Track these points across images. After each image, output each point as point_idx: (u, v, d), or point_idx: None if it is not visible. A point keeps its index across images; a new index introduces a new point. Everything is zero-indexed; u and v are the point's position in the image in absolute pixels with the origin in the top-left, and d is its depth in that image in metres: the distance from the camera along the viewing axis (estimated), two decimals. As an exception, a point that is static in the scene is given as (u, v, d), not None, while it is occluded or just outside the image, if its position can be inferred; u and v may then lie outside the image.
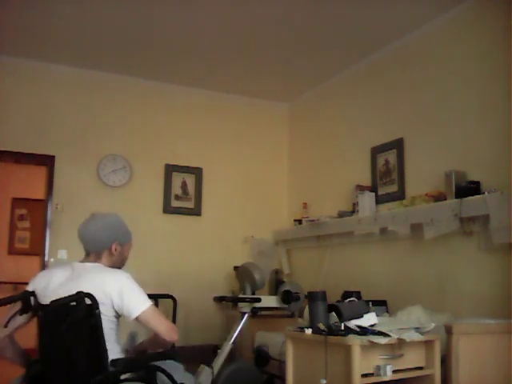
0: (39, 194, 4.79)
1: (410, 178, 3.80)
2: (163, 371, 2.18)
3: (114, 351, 2.18)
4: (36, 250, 5.01)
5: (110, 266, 2.38)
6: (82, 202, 4.45)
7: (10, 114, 4.37)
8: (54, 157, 4.44)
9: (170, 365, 2.29)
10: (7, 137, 4.33)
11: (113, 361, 2.09)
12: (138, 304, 2.23)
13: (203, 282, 4.74)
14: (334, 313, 2.59)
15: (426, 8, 3.53)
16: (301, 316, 3.26)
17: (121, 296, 2.20)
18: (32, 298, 2.20)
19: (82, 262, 2.37)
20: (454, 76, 3.51)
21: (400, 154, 3.88)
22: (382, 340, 2.36)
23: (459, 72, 3.48)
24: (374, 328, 2.47)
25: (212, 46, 4.18)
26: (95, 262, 2.35)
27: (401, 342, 2.43)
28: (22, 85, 4.44)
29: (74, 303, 2.04)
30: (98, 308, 2.05)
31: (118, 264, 2.47)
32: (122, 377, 2.14)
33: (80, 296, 2.03)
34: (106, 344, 2.07)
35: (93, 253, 2.38)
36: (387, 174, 3.99)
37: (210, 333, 4.66)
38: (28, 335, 2.48)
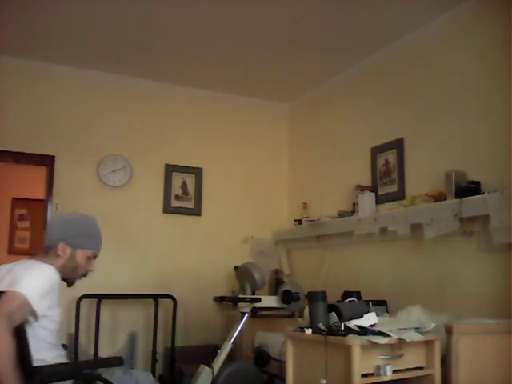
0: (39, 194, 4.79)
1: (410, 178, 3.80)
2: (104, 380, 2.02)
3: (43, 358, 2.00)
4: (36, 250, 5.01)
5: (60, 271, 2.15)
6: (82, 202, 4.45)
7: (10, 114, 4.37)
8: (54, 157, 4.43)
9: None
10: (7, 137, 4.33)
11: (40, 367, 1.90)
12: (12, 284, 1.92)
13: (203, 282, 4.74)
14: (334, 313, 2.59)
15: (425, 8, 3.53)
16: (301, 316, 3.26)
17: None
18: None
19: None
20: (453, 76, 3.51)
21: (400, 154, 3.88)
22: (382, 340, 2.36)
23: (459, 72, 3.48)
24: (374, 328, 2.47)
25: (212, 46, 4.18)
26: (37, 258, 2.15)
27: (401, 342, 2.43)
28: (21, 85, 4.44)
29: None
30: None
31: (70, 271, 2.21)
32: None
33: None
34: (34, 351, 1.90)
35: (44, 248, 2.19)
36: (387, 173, 3.99)
37: (210, 333, 4.67)
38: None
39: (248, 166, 5.22)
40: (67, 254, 2.18)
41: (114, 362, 2.15)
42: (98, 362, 2.16)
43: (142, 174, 4.76)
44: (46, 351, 2.05)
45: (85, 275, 2.30)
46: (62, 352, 2.18)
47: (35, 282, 1.97)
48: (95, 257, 2.31)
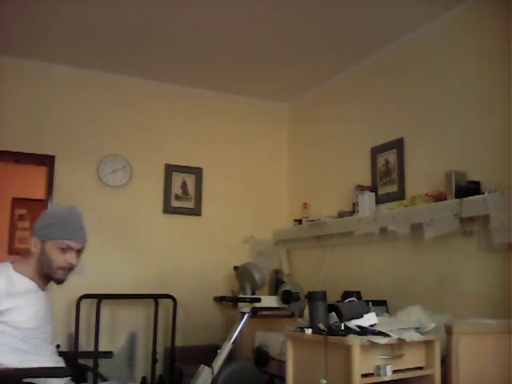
0: (39, 194, 4.79)
1: (410, 178, 3.80)
2: None
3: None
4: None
5: (35, 268, 2.09)
6: (82, 202, 4.44)
7: (10, 114, 4.37)
8: (54, 157, 4.43)
9: None
10: (7, 137, 4.33)
11: None
12: None
13: (203, 282, 4.74)
14: (333, 313, 2.59)
15: (425, 8, 3.53)
16: (301, 316, 3.26)
17: None
18: None
19: None
20: (453, 76, 3.51)
21: (400, 153, 3.88)
22: (382, 340, 2.36)
23: (459, 72, 3.47)
24: (373, 328, 2.47)
25: (212, 46, 4.18)
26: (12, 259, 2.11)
27: (401, 342, 2.43)
28: (21, 85, 4.43)
29: None
30: None
31: (46, 266, 2.08)
32: None
33: None
34: None
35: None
36: (387, 173, 3.99)
37: (209, 333, 4.66)
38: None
39: (248, 166, 5.22)
40: (38, 247, 2.06)
41: (58, 372, 2.02)
42: (41, 371, 1.95)
43: (142, 174, 4.76)
44: (4, 355, 1.98)
45: (71, 269, 2.11)
46: (29, 357, 2.04)
47: None
48: (71, 248, 2.08)
